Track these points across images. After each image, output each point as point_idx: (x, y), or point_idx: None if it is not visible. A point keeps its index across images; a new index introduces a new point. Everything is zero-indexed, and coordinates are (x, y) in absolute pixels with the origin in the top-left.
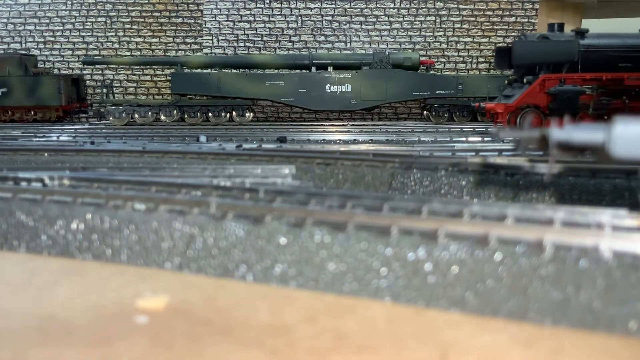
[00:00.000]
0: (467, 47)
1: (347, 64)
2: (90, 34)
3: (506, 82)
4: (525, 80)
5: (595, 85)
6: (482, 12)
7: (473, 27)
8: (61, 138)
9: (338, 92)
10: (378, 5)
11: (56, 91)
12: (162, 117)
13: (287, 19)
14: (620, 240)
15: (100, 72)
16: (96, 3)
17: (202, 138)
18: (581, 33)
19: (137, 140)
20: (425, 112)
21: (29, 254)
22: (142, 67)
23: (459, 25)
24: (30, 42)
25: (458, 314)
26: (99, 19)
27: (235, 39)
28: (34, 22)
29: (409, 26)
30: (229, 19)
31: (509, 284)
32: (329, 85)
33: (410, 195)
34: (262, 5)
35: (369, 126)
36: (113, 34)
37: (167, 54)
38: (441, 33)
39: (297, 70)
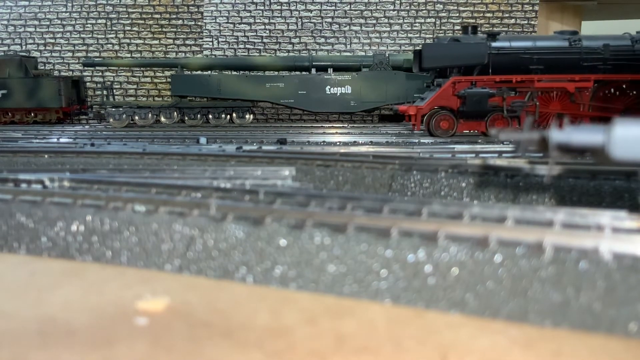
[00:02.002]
0: None
1: (347, 66)
2: (90, 35)
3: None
4: (435, 83)
5: (505, 88)
6: (482, 14)
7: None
8: (61, 140)
9: (338, 94)
10: (378, 7)
11: (56, 93)
12: (162, 119)
13: (287, 21)
14: (620, 242)
15: (100, 74)
16: (96, 5)
17: (202, 140)
18: (493, 36)
19: (137, 142)
20: None
21: (29, 255)
22: (142, 69)
23: (458, 27)
24: (30, 44)
25: (458, 316)
26: (99, 21)
27: (235, 40)
28: (34, 24)
29: (409, 28)
30: (229, 21)
31: (509, 286)
32: (329, 87)
33: (410, 197)
34: (262, 7)
35: (369, 128)
36: (113, 35)
37: (167, 56)
38: (441, 35)
39: (297, 72)
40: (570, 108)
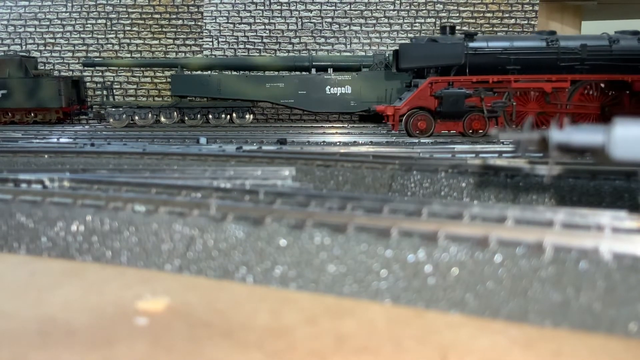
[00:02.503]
0: None
1: (347, 66)
2: (90, 36)
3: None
4: (412, 83)
5: (482, 88)
6: (482, 14)
7: (473, 30)
8: (61, 140)
9: (338, 94)
10: (378, 7)
11: (56, 93)
12: (162, 119)
13: (287, 21)
14: (620, 242)
15: (100, 74)
16: (96, 5)
17: (202, 140)
18: (470, 36)
19: (137, 142)
20: None
21: (29, 255)
22: (142, 69)
23: (459, 27)
24: (30, 44)
25: (458, 316)
26: (99, 21)
27: (235, 41)
28: (34, 24)
29: (409, 28)
30: (229, 21)
31: (509, 286)
32: (329, 87)
33: (410, 197)
34: (262, 8)
35: (368, 128)
36: (113, 35)
37: (167, 56)
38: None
39: (297, 72)
40: (547, 108)
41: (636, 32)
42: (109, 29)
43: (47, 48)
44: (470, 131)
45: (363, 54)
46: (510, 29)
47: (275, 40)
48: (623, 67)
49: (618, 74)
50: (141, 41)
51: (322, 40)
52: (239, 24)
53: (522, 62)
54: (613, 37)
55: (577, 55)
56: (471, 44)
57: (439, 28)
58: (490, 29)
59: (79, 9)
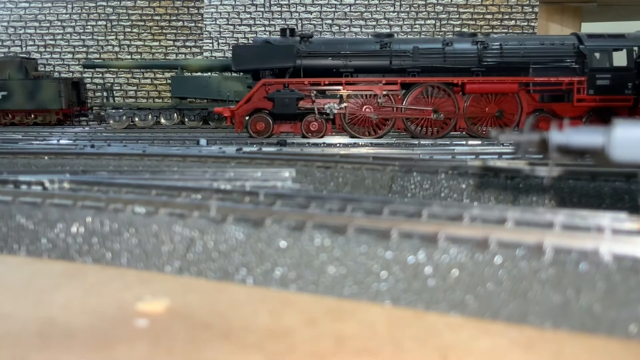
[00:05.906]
0: None
1: None
2: (90, 37)
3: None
4: (247, 85)
5: (314, 91)
6: (481, 16)
7: (472, 31)
8: (61, 141)
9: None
10: (378, 9)
11: (56, 94)
12: (163, 121)
13: (287, 23)
14: (620, 244)
15: (100, 75)
16: (96, 7)
17: (202, 141)
18: (305, 38)
19: (137, 143)
20: None
21: (29, 257)
22: (142, 70)
23: (458, 29)
24: (30, 45)
25: (458, 318)
26: (100, 23)
27: (235, 42)
28: (34, 26)
29: (409, 29)
30: (229, 23)
31: (509, 287)
32: None
33: (410, 198)
34: (262, 9)
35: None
36: (113, 37)
37: (167, 58)
38: (441, 36)
39: None
40: (382, 111)
41: (473, 34)
42: (109, 30)
43: (47, 50)
44: (309, 133)
45: None
46: (510, 31)
47: None
48: (456, 69)
49: (450, 77)
50: (141, 43)
51: None
52: (239, 25)
53: (355, 65)
54: (447, 40)
55: (408, 58)
56: (305, 47)
57: (439, 30)
58: (490, 30)
59: (79, 11)
